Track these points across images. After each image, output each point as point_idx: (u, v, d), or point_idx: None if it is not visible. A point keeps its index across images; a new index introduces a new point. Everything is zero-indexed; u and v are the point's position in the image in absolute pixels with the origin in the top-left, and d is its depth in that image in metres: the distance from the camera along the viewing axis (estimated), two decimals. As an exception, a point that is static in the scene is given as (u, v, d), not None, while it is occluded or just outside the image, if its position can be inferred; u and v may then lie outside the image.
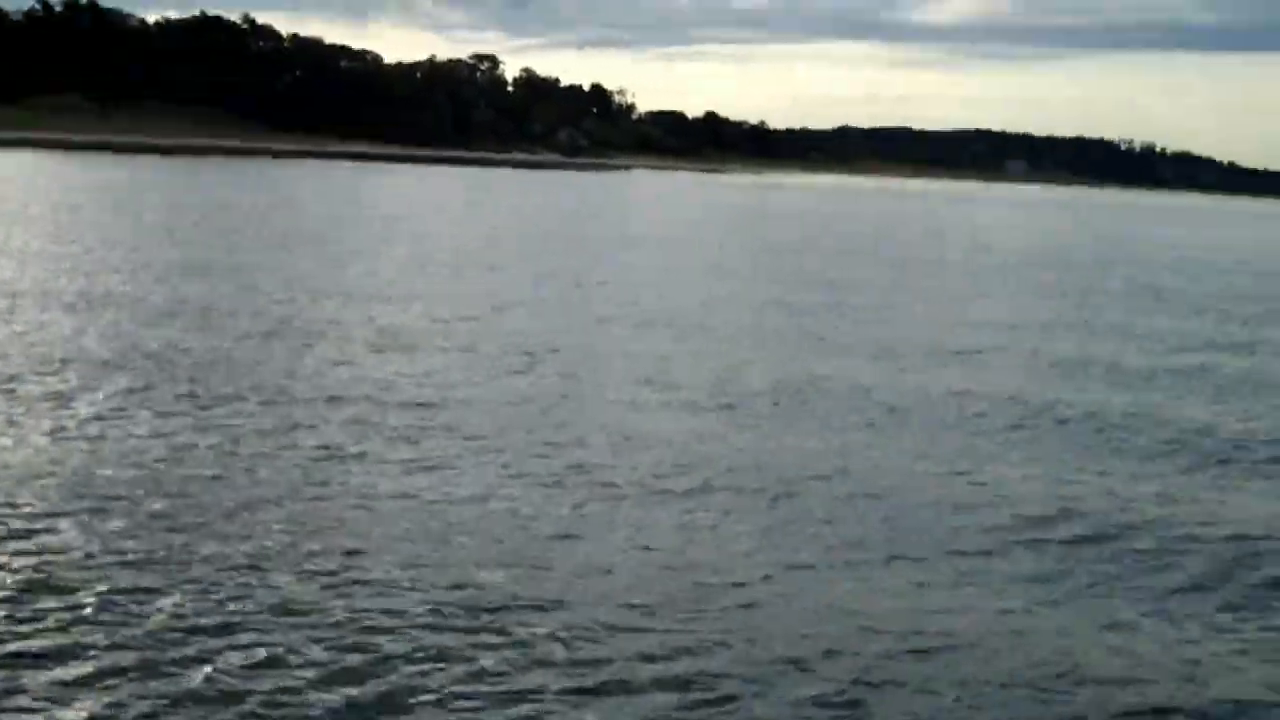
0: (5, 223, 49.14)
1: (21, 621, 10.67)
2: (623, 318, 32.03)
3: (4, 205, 58.71)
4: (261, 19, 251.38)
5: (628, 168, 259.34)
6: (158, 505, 13.91)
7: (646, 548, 13.55)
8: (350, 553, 12.77)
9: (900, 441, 19.32)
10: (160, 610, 11.05)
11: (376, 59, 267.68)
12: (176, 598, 11.34)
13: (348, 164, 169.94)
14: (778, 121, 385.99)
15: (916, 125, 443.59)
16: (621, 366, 24.75)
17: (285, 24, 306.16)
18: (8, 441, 16.24)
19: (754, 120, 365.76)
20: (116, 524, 13.20)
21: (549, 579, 12.36)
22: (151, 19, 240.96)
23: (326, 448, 16.82)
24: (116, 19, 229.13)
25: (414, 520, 13.92)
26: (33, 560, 12.02)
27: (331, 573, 12.19)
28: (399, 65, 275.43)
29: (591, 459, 17.02)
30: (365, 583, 11.99)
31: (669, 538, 13.93)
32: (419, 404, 19.83)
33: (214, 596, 11.45)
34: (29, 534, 12.76)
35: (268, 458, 16.21)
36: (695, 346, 27.83)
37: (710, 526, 14.43)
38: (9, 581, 11.48)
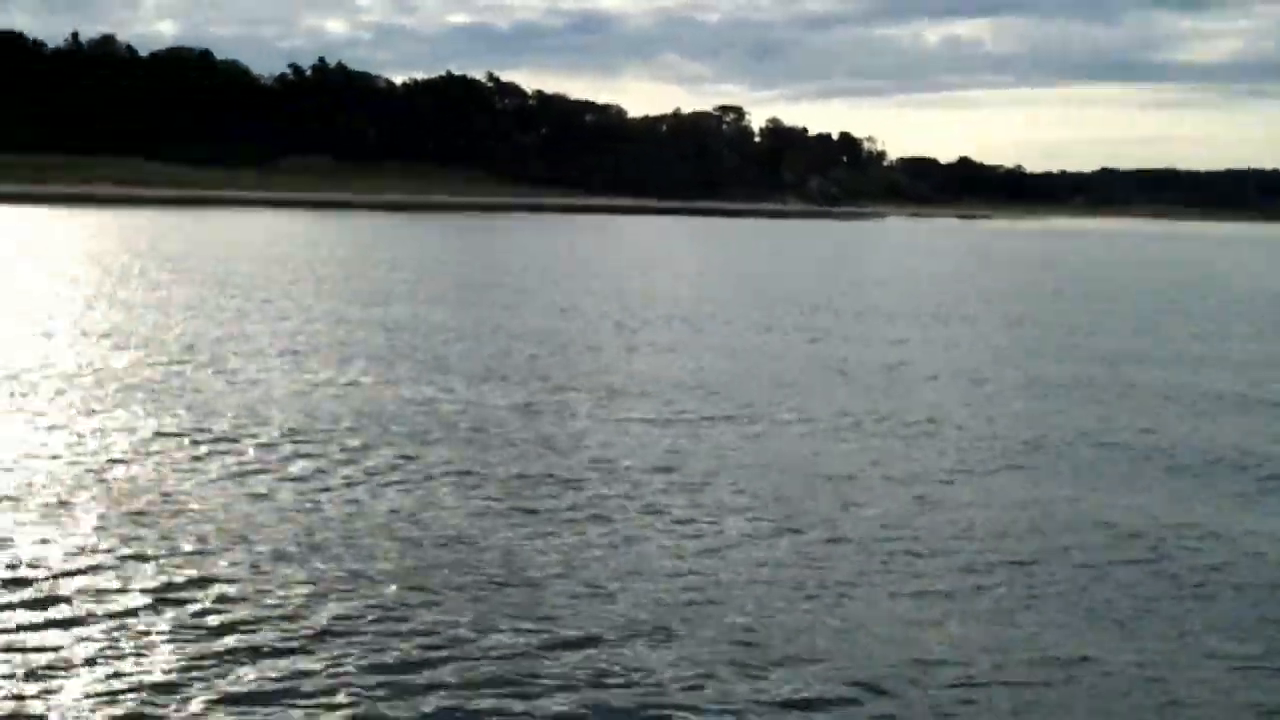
0: (243, 282, 47.07)
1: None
2: (874, 368, 28.70)
3: (240, 265, 57.74)
4: (506, 78, 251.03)
5: (880, 215, 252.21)
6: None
7: (934, 629, 11.74)
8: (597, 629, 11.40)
9: (1213, 503, 16.80)
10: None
11: (621, 113, 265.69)
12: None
13: (594, 217, 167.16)
14: (1034, 166, 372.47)
15: (1183, 166, 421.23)
16: (881, 421, 21.84)
17: (530, 82, 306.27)
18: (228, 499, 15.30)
19: (1009, 165, 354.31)
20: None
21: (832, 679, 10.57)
22: (398, 80, 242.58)
23: (554, 512, 15.23)
24: (364, 81, 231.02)
25: (665, 599, 12.25)
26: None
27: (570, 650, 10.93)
28: (644, 118, 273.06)
29: (863, 526, 15.01)
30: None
31: (964, 620, 11.99)
32: (666, 468, 17.52)
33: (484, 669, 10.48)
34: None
35: (484, 521, 14.79)
36: (976, 399, 24.73)
37: (1018, 605, 12.45)
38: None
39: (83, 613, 11.37)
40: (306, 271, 52.86)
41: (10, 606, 11.46)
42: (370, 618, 11.47)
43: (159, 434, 18.72)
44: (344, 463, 17.30)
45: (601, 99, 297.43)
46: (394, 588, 12.26)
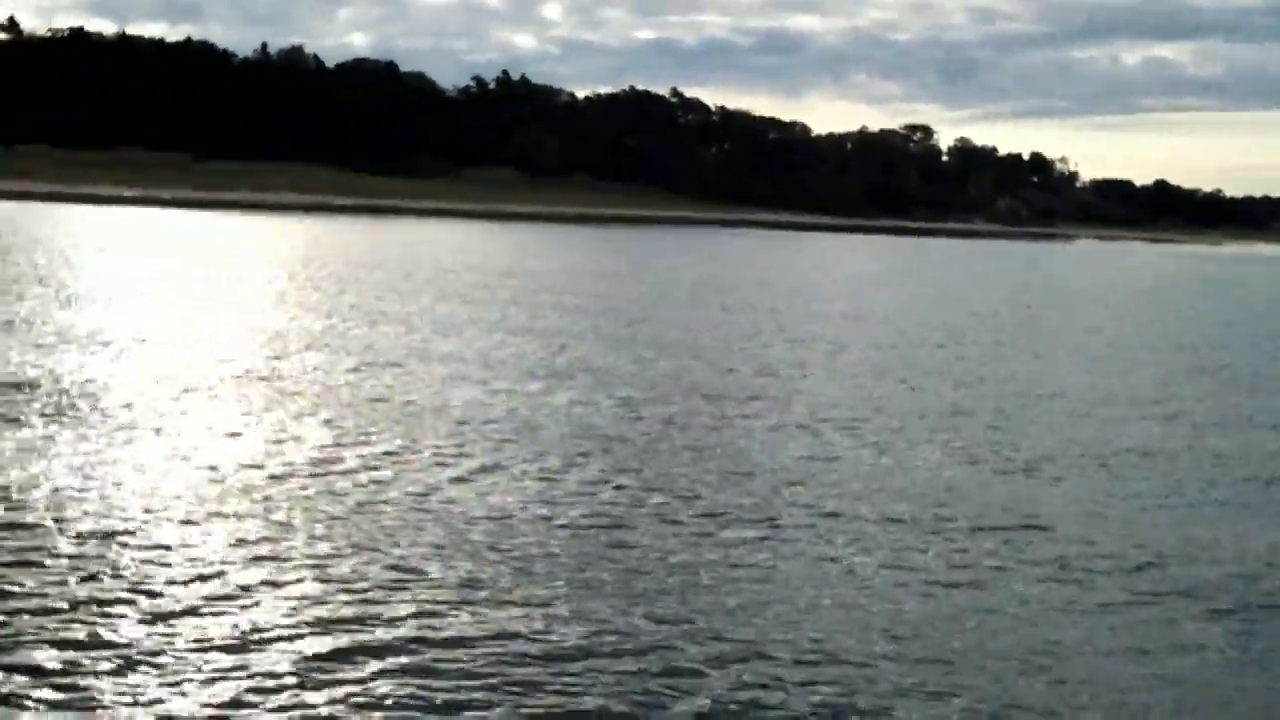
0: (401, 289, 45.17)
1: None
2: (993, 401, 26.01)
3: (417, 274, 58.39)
4: (692, 94, 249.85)
5: (1070, 237, 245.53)
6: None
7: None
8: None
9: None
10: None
11: (805, 130, 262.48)
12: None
13: (775, 233, 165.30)
14: (1234, 190, 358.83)
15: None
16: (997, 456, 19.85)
17: (715, 99, 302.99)
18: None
19: (1207, 189, 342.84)
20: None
21: None
22: (581, 94, 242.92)
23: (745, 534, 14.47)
24: (547, 94, 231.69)
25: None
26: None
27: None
28: (829, 136, 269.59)
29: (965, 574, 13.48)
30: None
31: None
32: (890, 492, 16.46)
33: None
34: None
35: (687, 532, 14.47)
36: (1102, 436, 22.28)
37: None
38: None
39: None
40: (459, 281, 51.82)
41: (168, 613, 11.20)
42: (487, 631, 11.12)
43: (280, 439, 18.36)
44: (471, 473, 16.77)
45: (788, 118, 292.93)
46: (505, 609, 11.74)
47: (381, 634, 10.95)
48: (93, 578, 11.90)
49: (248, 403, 21.04)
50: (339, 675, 10.06)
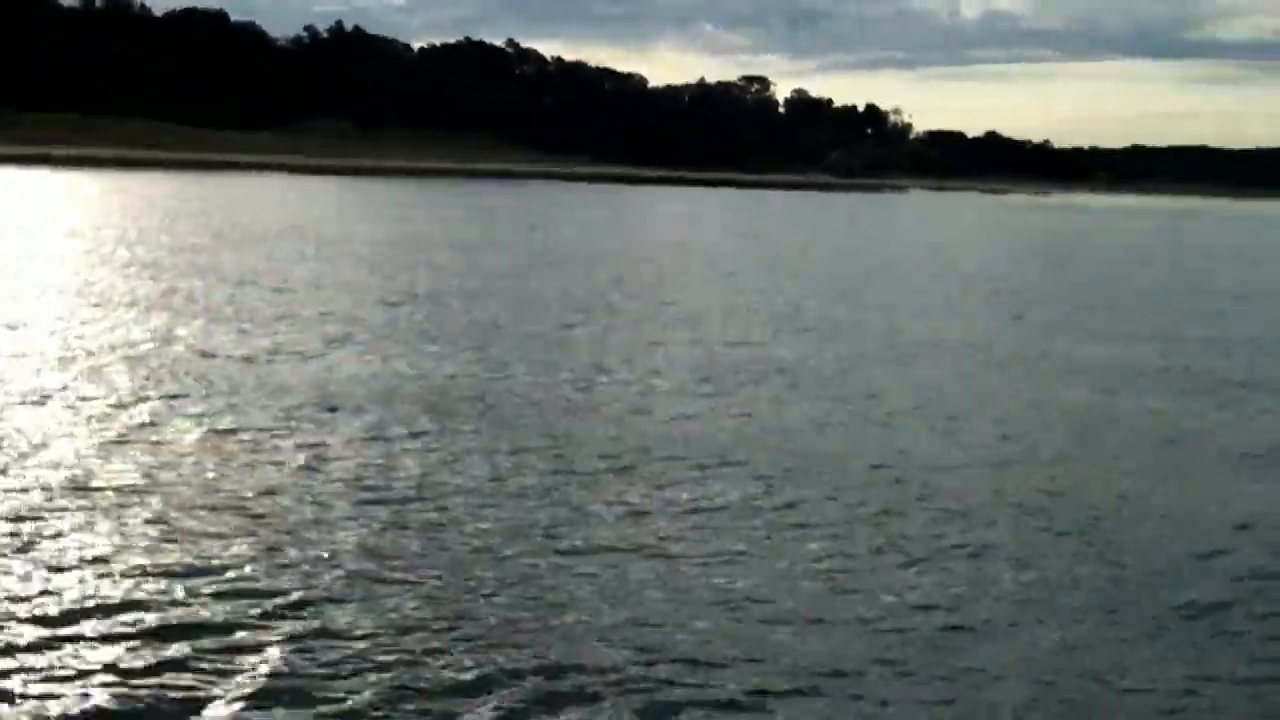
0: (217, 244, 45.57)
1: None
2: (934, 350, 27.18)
3: (236, 228, 56.52)
4: (543, 46, 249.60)
5: (903, 188, 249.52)
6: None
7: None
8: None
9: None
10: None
11: (642, 81, 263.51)
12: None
13: (609, 186, 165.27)
14: (1064, 141, 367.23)
15: (1215, 144, 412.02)
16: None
17: (565, 51, 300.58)
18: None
19: (1038, 140, 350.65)
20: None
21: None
22: (416, 45, 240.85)
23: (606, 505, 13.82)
24: (381, 45, 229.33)
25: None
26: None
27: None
28: (667, 88, 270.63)
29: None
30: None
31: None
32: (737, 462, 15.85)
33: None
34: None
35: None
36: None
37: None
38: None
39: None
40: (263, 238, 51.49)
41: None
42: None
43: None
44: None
45: (635, 69, 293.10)
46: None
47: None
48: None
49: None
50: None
